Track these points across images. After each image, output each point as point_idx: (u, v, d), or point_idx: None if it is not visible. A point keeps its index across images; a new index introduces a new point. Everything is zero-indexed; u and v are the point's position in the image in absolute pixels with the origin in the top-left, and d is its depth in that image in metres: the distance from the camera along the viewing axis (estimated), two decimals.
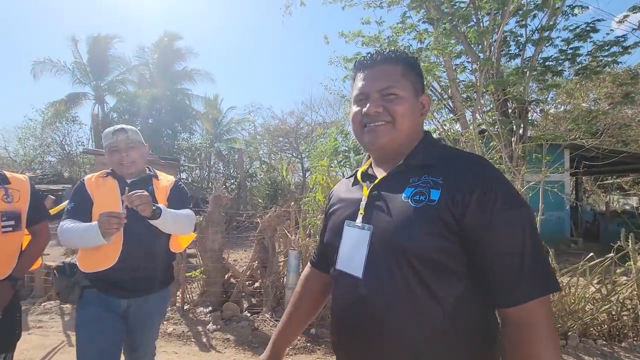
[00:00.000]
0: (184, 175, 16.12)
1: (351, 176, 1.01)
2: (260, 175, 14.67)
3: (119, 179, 1.60)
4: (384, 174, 0.87)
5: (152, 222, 1.48)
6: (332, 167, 4.76)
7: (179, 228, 1.60)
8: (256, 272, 4.29)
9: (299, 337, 3.21)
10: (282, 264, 4.20)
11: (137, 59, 17.90)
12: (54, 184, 14.29)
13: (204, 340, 3.23)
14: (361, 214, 0.85)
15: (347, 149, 8.05)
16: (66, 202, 1.59)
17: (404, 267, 0.74)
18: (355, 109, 0.89)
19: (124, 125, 1.66)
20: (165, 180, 1.75)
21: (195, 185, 15.81)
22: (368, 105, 0.85)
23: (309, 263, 1.13)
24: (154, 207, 1.44)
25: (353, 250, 0.84)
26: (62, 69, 16.63)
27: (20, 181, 1.70)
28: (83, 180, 1.63)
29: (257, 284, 4.28)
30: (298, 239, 4.06)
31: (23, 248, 1.70)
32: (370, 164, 0.96)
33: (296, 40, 49.22)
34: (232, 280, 4.28)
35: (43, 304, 4.06)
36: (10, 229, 1.57)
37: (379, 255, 0.78)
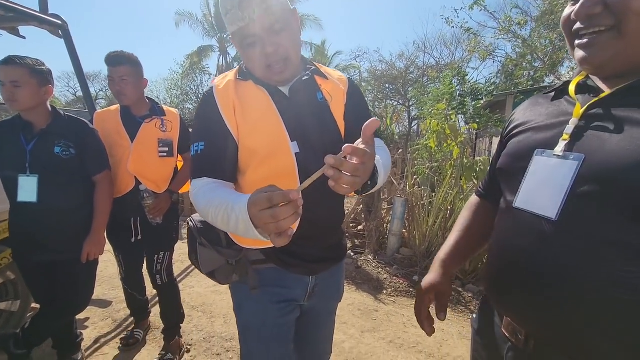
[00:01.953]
0: None
1: (550, 91, 0.78)
2: None
3: (266, 86, 0.93)
4: (609, 91, 0.64)
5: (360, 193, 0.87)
6: (448, 112, 4.31)
7: (384, 180, 0.93)
8: (360, 216, 4.43)
9: (401, 281, 3.27)
10: (385, 210, 4.23)
11: None
12: (191, 127, 17.06)
13: None
14: (564, 140, 0.65)
15: (463, 93, 7.16)
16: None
17: (629, 221, 0.54)
18: (566, 10, 0.67)
19: None
20: (334, 76, 1.03)
21: None
22: (578, 4, 0.62)
23: (474, 195, 0.98)
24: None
25: (543, 186, 0.65)
26: (196, 22, 18.74)
27: (173, 114, 1.97)
28: (211, 90, 0.92)
29: (360, 227, 4.45)
30: (404, 187, 3.97)
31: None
32: (588, 74, 0.72)
33: None
34: None
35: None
36: (165, 154, 1.88)
37: (588, 195, 0.59)
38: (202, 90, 21.20)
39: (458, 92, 7.19)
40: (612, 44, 0.60)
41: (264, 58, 0.87)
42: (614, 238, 0.56)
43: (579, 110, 0.66)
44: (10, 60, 1.42)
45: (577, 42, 0.65)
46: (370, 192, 0.87)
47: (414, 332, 2.43)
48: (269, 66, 0.89)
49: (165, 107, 1.99)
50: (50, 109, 1.57)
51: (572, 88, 0.71)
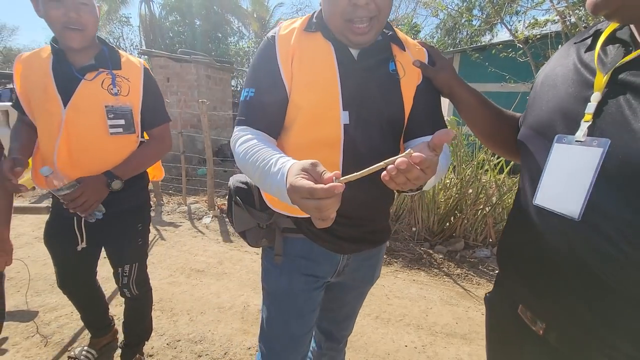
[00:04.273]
0: (233, 83, 15.87)
1: (586, 38, 0.65)
2: None
3: (335, 42, 0.83)
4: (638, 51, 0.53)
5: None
6: None
7: (433, 184, 0.83)
8: None
9: None
10: None
11: None
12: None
13: None
14: (586, 121, 0.55)
15: None
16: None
17: None
18: None
19: None
20: (413, 50, 0.91)
21: None
22: None
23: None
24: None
25: (566, 181, 0.57)
26: None
27: (133, 67, 1.31)
28: (274, 36, 0.85)
29: None
30: None
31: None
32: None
33: None
34: None
35: None
36: (120, 130, 1.26)
37: (614, 189, 0.51)
38: (124, 44, 18.48)
39: None
40: None
41: (350, 8, 0.76)
42: (638, 240, 0.49)
43: (600, 81, 0.55)
44: None
45: None
46: (411, 194, 0.84)
47: (398, 304, 2.35)
48: (350, 20, 0.77)
49: (125, 56, 1.33)
50: None
51: (599, 44, 0.59)
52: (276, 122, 0.85)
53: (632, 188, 0.49)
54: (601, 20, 0.62)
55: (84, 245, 1.37)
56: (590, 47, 0.62)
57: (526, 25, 4.29)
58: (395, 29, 0.92)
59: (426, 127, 0.88)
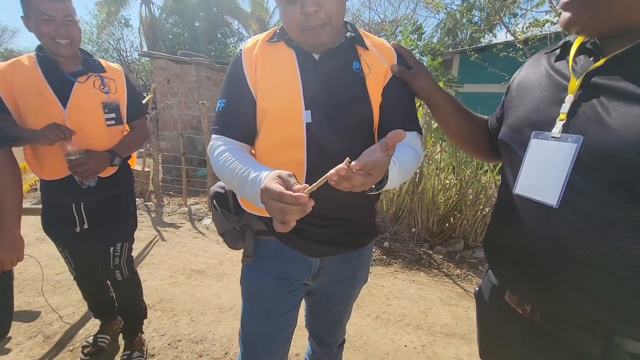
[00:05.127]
0: None
1: (555, 49, 0.72)
2: None
3: (296, 48, 0.87)
4: (604, 59, 0.60)
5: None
6: None
7: (399, 182, 0.82)
8: None
9: (373, 250, 3.18)
10: None
11: None
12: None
13: None
14: (561, 120, 0.62)
15: (421, 51, 7.00)
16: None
17: (629, 200, 0.54)
18: None
19: None
20: (379, 49, 0.91)
21: None
22: None
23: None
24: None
25: (542, 171, 0.64)
26: None
27: (115, 71, 1.53)
28: (241, 51, 0.90)
29: None
30: None
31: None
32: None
33: None
34: None
35: None
36: (113, 122, 1.46)
37: (589, 179, 0.58)
38: (124, 45, 18.52)
39: (415, 51, 7.04)
40: (587, 3, 0.57)
41: (303, 18, 0.79)
42: (614, 218, 0.56)
43: (574, 85, 0.62)
44: None
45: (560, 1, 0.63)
46: (374, 194, 0.79)
47: (397, 304, 2.36)
48: (303, 30, 0.80)
49: (103, 62, 1.52)
50: None
51: (572, 54, 0.66)
52: (248, 129, 0.89)
53: (607, 173, 0.55)
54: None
55: (85, 227, 1.50)
56: (560, 57, 0.70)
57: (526, 26, 4.31)
58: (360, 30, 0.92)
59: (397, 122, 0.86)
